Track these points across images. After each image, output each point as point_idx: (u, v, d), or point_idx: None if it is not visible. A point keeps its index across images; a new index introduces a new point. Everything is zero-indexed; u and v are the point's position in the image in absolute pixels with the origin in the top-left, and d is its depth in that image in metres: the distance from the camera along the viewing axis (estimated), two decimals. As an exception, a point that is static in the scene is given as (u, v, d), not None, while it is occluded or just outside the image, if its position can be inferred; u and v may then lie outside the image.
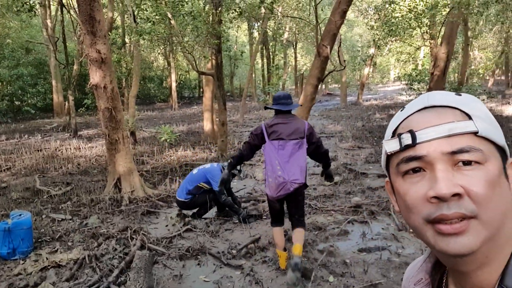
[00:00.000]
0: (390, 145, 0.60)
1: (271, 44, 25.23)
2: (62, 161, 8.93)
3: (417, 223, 0.56)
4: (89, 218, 5.22)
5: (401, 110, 0.64)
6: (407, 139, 0.57)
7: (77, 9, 5.97)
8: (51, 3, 18.69)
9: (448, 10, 8.51)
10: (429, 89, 9.80)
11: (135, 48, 13.02)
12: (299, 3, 18.68)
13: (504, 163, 0.57)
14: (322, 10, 6.70)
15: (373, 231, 4.41)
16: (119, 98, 6.09)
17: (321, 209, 5.21)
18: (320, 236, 4.35)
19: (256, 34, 28.04)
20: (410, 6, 10.06)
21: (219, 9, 7.14)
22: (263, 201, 5.62)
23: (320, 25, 4.63)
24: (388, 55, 26.78)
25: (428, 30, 11.25)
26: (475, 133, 0.54)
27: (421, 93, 18.40)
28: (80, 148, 10.60)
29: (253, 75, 30.77)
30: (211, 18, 7.75)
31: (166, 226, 5.11)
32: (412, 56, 18.54)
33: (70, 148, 10.52)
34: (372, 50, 20.68)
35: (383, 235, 4.28)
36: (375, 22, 11.32)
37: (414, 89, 18.50)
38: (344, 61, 5.03)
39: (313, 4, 4.51)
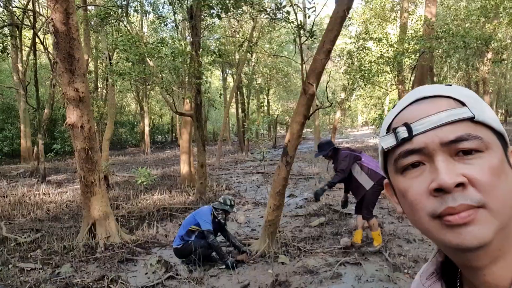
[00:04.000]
0: (386, 141, 0.57)
1: (245, 89, 25.70)
2: (30, 207, 8.37)
3: (422, 220, 0.53)
4: (61, 267, 4.78)
5: (393, 108, 0.61)
6: (403, 133, 0.54)
7: (50, 50, 5.86)
8: (23, 47, 18.46)
9: (417, 55, 8.95)
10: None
11: (110, 90, 12.88)
12: (281, 45, 19.30)
13: (505, 149, 0.54)
14: (308, 49, 6.86)
15: (367, 273, 4.23)
16: (96, 138, 5.85)
17: (310, 252, 5.01)
18: (313, 280, 4.12)
19: (229, 79, 28.61)
20: (381, 51, 10.55)
21: (200, 50, 7.19)
22: (249, 245, 5.37)
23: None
24: (357, 100, 27.78)
25: (397, 75, 11.77)
26: (472, 120, 0.52)
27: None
28: (49, 194, 10.02)
29: (229, 119, 31.08)
30: (188, 61, 7.80)
31: (146, 274, 4.75)
32: (380, 101, 19.26)
33: (39, 194, 9.93)
34: (342, 95, 21.41)
35: (378, 277, 4.11)
36: (349, 67, 11.77)
37: (385, 132, 19.02)
38: (331, 103, 5.11)
39: (298, 43, 4.57)
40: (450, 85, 0.57)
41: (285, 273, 4.33)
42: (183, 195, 9.29)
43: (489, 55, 13.61)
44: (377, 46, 10.55)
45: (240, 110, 25.29)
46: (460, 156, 0.51)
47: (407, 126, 0.54)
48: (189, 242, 4.86)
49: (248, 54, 22.31)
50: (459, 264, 0.56)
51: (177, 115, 16.23)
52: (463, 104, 0.53)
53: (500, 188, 0.50)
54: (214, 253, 4.98)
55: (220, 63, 22.73)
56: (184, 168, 10.68)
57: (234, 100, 29.19)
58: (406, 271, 4.23)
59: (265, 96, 33.97)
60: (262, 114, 36.11)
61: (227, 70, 28.78)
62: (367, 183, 4.97)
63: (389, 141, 0.56)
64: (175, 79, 7.86)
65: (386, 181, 0.63)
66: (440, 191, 0.50)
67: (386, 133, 0.58)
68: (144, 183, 8.83)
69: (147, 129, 27.01)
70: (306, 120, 4.99)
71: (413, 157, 0.53)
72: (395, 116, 0.58)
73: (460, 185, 0.49)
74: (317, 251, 5.03)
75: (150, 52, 7.60)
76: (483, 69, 14.19)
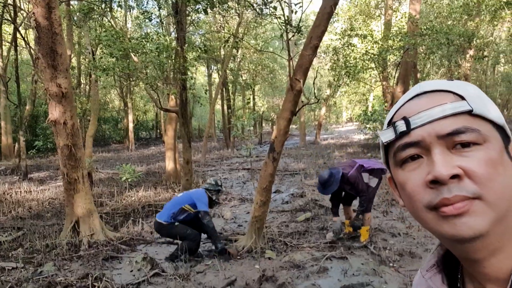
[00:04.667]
0: (385, 135, 0.58)
1: (230, 85, 25.62)
2: (12, 205, 8.18)
3: (420, 212, 0.54)
4: (44, 265, 4.68)
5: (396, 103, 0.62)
6: (401, 126, 0.56)
7: (32, 45, 5.70)
8: (3, 42, 17.99)
9: (401, 52, 9.04)
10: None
11: (93, 86, 12.67)
12: (267, 41, 19.25)
13: (506, 143, 0.55)
14: (295, 44, 6.85)
15: (353, 267, 4.27)
16: (79, 134, 5.74)
17: (297, 246, 5.03)
18: (300, 275, 4.14)
19: (215, 75, 28.48)
20: (366, 48, 10.63)
21: (185, 46, 7.12)
22: (235, 241, 5.36)
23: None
24: (342, 97, 27.99)
25: (382, 71, 11.88)
26: (470, 113, 0.52)
27: (376, 132, 19.27)
28: (31, 191, 9.82)
29: (214, 116, 30.95)
30: (173, 56, 7.70)
31: (131, 271, 4.69)
32: (365, 97, 19.45)
33: (20, 191, 9.71)
34: (328, 92, 21.52)
35: (364, 271, 4.15)
36: (334, 63, 11.83)
37: (369, 128, 19.27)
38: (318, 99, 5.07)
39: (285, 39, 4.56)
40: (452, 80, 0.58)
41: (272, 268, 4.34)
42: (169, 191, 9.22)
43: (471, 52, 13.89)
44: (362, 43, 10.63)
45: (225, 107, 25.20)
46: (458, 149, 0.52)
47: (406, 119, 0.55)
48: (176, 224, 4.87)
49: (234, 50, 22.27)
50: (459, 256, 0.56)
51: (162, 112, 16.07)
52: (463, 98, 0.53)
53: (497, 181, 0.50)
54: (200, 250, 4.96)
55: (206, 59, 22.59)
56: (169, 165, 10.60)
57: (219, 96, 29.14)
58: (391, 264, 4.28)
59: (251, 93, 33.96)
60: (248, 111, 36.12)
61: (213, 66, 28.62)
62: (374, 182, 5.08)
63: (388, 135, 0.58)
64: (160, 75, 7.76)
65: (388, 175, 0.63)
66: (436, 183, 0.51)
67: (387, 127, 0.59)
68: (129, 180, 8.73)
69: (131, 125, 26.69)
70: (293, 117, 5.00)
71: (411, 150, 0.54)
72: (397, 111, 0.59)
73: (456, 176, 0.50)
74: (303, 246, 5.05)
75: (135, 48, 7.49)
76: (465, 65, 14.46)
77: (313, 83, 4.56)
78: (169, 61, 7.32)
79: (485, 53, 11.94)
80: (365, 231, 5.06)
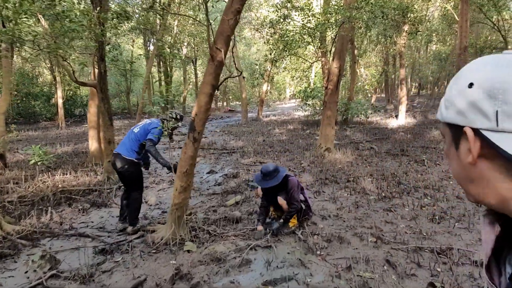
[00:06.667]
0: None
1: (168, 60, 24.33)
2: None
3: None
4: None
5: None
6: None
7: None
8: None
9: (338, 26, 8.73)
10: (324, 103, 9.96)
11: (4, 57, 11.12)
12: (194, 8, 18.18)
13: (458, 135, 0.64)
14: (213, 6, 6.22)
15: (278, 258, 3.91)
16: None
17: (221, 236, 4.59)
18: (219, 270, 3.70)
19: (152, 47, 26.87)
20: (303, 21, 10.21)
21: (98, 9, 6.20)
22: (153, 231, 4.81)
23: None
24: (284, 72, 27.83)
25: (320, 46, 11.60)
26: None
27: (316, 108, 19.35)
28: None
29: (152, 91, 29.42)
30: (88, 22, 6.76)
31: (26, 272, 4.00)
32: (305, 73, 19.31)
33: None
34: (269, 67, 21.10)
35: (289, 261, 3.80)
36: (271, 37, 11.34)
37: (309, 104, 19.24)
38: (241, 72, 4.52)
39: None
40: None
41: (189, 263, 3.86)
42: (90, 175, 8.35)
43: (406, 27, 14.06)
44: (299, 16, 10.19)
45: (164, 82, 23.95)
46: None
47: None
48: (140, 166, 5.06)
49: (170, 20, 20.97)
50: None
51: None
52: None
53: (451, 166, 0.68)
54: (113, 244, 4.36)
55: (141, 30, 21.09)
56: (92, 145, 9.65)
57: (157, 71, 27.68)
58: (319, 252, 3.98)
59: (193, 68, 32.74)
60: (190, 86, 34.85)
61: (151, 39, 26.94)
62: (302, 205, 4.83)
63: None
64: (72, 43, 6.79)
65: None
66: None
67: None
68: (39, 164, 7.73)
69: (60, 101, 24.60)
70: (216, 91, 4.45)
71: None
72: None
73: None
74: (228, 234, 4.62)
75: (41, 11, 6.44)
76: (400, 42, 14.67)
77: (233, 57, 4.01)
78: (83, 27, 6.38)
79: (419, 28, 12.03)
80: (293, 217, 4.74)
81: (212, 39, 4.16)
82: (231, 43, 4.09)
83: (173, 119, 5.26)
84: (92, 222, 5.65)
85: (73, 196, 6.77)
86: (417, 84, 41.04)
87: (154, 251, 4.28)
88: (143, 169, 5.41)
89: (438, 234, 4.38)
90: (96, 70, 7.93)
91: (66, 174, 8.39)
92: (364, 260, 3.73)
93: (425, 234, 4.38)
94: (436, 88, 29.29)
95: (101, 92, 7.37)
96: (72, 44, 6.82)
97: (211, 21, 4.40)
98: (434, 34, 25.85)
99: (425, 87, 41.30)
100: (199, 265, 3.84)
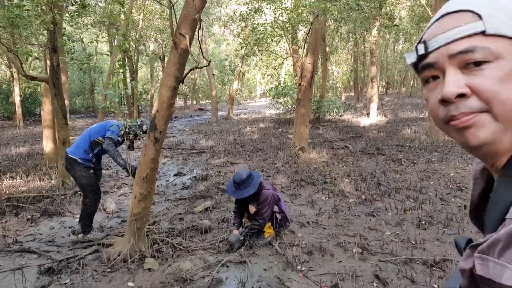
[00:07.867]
0: (409, 57, 0.64)
1: (133, 55, 23.27)
2: None
3: (440, 126, 0.61)
4: None
5: None
6: (420, 50, 0.61)
7: None
8: None
9: (311, 20, 8.33)
10: (297, 101, 9.55)
11: None
12: None
13: None
14: None
15: (253, 276, 3.40)
16: None
17: (188, 249, 4.02)
18: (184, 293, 3.15)
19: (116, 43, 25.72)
20: (275, 13, 9.75)
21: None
22: (110, 245, 4.19)
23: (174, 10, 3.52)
24: (254, 70, 27.37)
25: (292, 42, 11.19)
26: (484, 33, 0.53)
27: (287, 106, 19.00)
28: None
29: (119, 88, 28.21)
30: (32, 6, 6.01)
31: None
32: (276, 71, 18.91)
33: None
34: (239, 63, 20.56)
35: (266, 280, 3.30)
36: (242, 30, 10.82)
37: (281, 103, 18.85)
38: (209, 61, 3.96)
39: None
40: None
41: (149, 285, 3.29)
42: (43, 179, 7.55)
43: (377, 23, 13.89)
44: (270, 9, 9.73)
45: (128, 79, 22.86)
46: (469, 68, 0.55)
47: (425, 43, 0.60)
48: (91, 170, 4.46)
49: (134, 14, 20.05)
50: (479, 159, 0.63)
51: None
52: (480, 17, 0.54)
53: (504, 95, 0.52)
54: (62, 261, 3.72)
55: (105, 24, 20.01)
56: (48, 146, 8.80)
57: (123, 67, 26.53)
58: (299, 267, 3.51)
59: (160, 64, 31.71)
60: (158, 84, 33.71)
61: (116, 35, 25.76)
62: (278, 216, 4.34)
63: (411, 58, 0.63)
64: (16, 31, 6.02)
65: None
66: (446, 101, 0.57)
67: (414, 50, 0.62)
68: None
69: (17, 99, 23.06)
70: (180, 85, 3.88)
71: (429, 71, 0.61)
72: (424, 33, 0.63)
73: (462, 95, 0.55)
74: (196, 248, 4.06)
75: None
76: (371, 40, 14.51)
77: (199, 43, 3.46)
78: (31, 15, 5.64)
79: (395, 22, 11.83)
80: (267, 227, 4.25)
81: (175, 24, 3.59)
82: (198, 27, 3.53)
83: (138, 126, 4.67)
84: (41, 234, 4.95)
85: (21, 204, 6.00)
86: (385, 83, 41.66)
87: (109, 270, 3.67)
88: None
89: (427, 242, 4.01)
90: (49, 63, 7.15)
91: (16, 178, 7.55)
92: (350, 276, 3.29)
93: (413, 242, 3.99)
94: (403, 87, 29.69)
95: (54, 87, 6.60)
96: (16, 32, 6.04)
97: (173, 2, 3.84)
98: (401, 33, 26.12)
99: (392, 86, 42.00)
100: (160, 287, 3.27)
